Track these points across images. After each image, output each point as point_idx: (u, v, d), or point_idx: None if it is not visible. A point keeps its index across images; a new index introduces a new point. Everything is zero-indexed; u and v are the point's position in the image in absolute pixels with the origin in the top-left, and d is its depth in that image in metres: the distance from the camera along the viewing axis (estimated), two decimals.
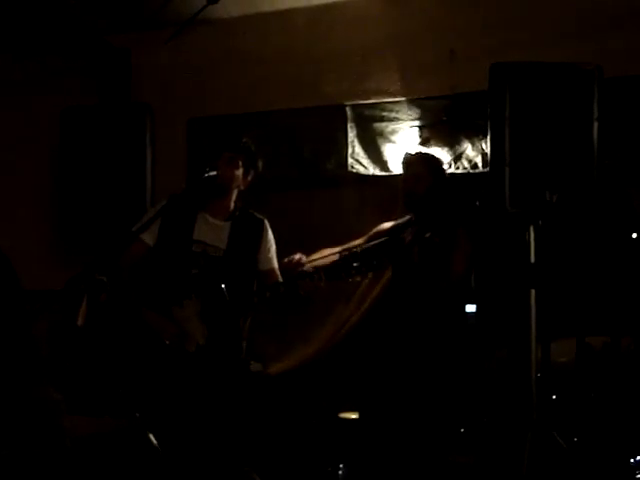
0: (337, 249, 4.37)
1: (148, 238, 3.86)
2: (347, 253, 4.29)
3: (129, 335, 3.90)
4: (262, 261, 3.93)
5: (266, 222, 4.00)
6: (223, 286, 3.64)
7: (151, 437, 4.16)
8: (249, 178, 3.94)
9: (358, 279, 3.58)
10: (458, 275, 4.07)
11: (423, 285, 3.92)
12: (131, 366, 3.90)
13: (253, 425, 3.93)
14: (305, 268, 4.02)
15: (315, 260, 4.18)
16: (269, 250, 3.96)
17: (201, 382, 3.75)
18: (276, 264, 3.96)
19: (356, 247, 4.39)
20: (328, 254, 4.28)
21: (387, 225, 4.41)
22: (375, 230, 4.44)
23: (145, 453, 4.14)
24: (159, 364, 3.79)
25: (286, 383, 5.23)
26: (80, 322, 5.48)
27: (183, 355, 3.77)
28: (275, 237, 4.06)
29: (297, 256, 3.97)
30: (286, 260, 3.93)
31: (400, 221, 4.36)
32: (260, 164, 3.97)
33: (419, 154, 4.47)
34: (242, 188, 3.94)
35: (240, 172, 3.88)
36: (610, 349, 4.55)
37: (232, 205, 3.94)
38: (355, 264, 3.56)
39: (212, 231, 3.87)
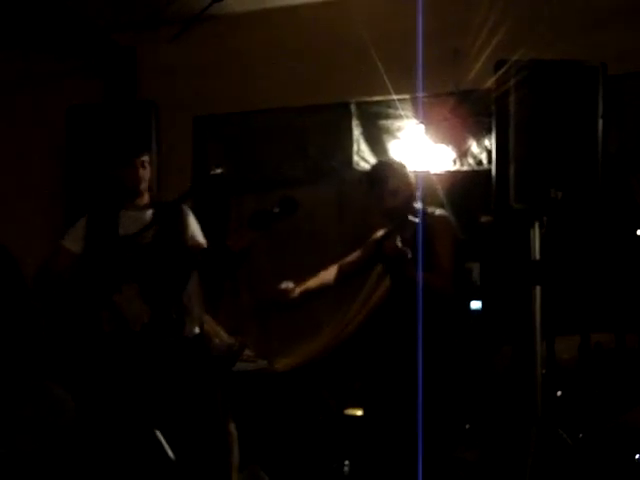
0: (334, 267, 4.40)
1: (73, 246, 4.06)
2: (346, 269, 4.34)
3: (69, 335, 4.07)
4: (189, 238, 4.06)
5: (184, 206, 4.13)
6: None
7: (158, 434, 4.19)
8: (147, 167, 4.12)
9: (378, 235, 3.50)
10: (445, 271, 4.07)
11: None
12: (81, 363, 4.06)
13: (256, 421, 3.94)
14: (293, 295, 4.13)
15: (309, 286, 4.25)
16: (193, 228, 4.10)
17: (152, 358, 3.88)
18: (203, 240, 4.08)
19: (354, 260, 4.43)
20: (323, 276, 4.33)
21: (380, 233, 4.41)
22: (371, 239, 4.44)
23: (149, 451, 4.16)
24: (104, 352, 3.98)
25: (292, 379, 5.24)
26: None
27: (127, 337, 3.92)
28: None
29: (283, 285, 4.07)
30: (274, 290, 4.09)
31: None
32: (144, 156, 4.10)
33: (387, 166, 4.38)
34: (149, 178, 4.14)
35: (143, 171, 4.07)
36: (602, 349, 4.55)
37: (147, 196, 4.14)
38: (275, 210, 3.65)
39: (136, 222, 4.00)
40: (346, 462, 4.50)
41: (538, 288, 3.99)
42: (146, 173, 4.11)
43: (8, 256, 3.85)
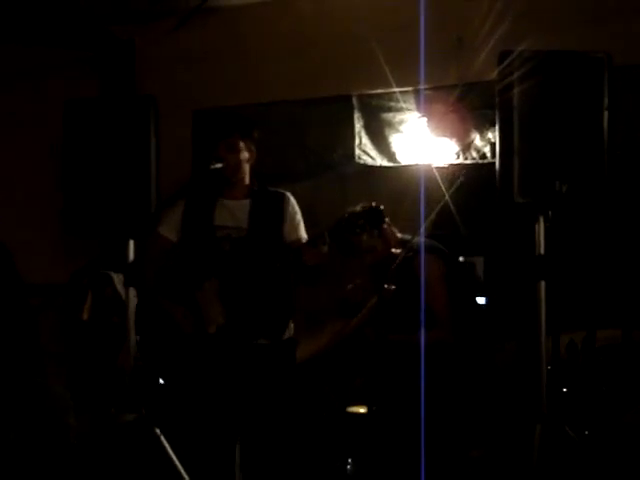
0: None
1: (170, 234, 3.88)
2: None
3: (153, 329, 3.90)
4: (287, 233, 3.84)
5: (287, 194, 3.92)
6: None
7: (158, 432, 4.15)
8: (253, 149, 3.89)
9: (364, 237, 3.46)
10: (443, 316, 4.02)
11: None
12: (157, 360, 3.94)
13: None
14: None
15: None
16: (293, 220, 3.86)
17: (223, 362, 3.72)
18: (303, 234, 3.84)
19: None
20: None
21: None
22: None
23: (152, 449, 4.12)
24: (181, 355, 3.81)
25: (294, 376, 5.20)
26: (85, 316, 5.48)
27: (204, 340, 3.73)
28: None
29: (350, 286, 3.99)
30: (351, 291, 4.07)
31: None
32: (255, 133, 3.90)
33: (355, 224, 3.61)
34: (252, 162, 3.90)
35: (244, 153, 3.84)
36: (589, 345, 4.52)
37: (248, 182, 3.89)
38: (360, 222, 3.45)
39: (232, 213, 3.83)
40: (349, 461, 4.47)
41: (543, 283, 3.95)
42: (247, 158, 3.85)
43: (4, 251, 3.80)
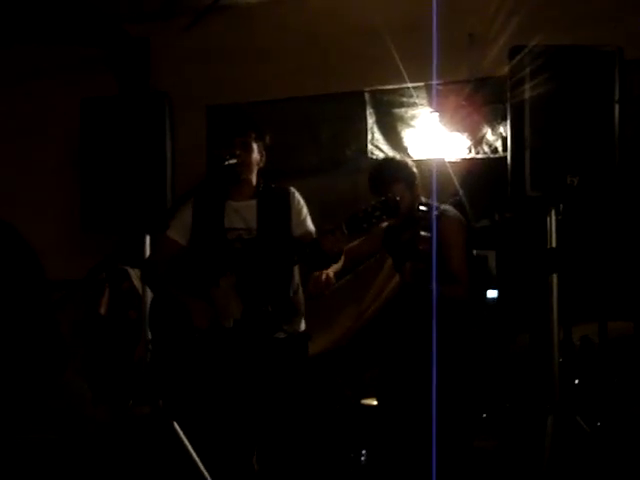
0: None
1: (179, 238, 3.89)
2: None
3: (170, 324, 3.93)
4: (295, 227, 3.86)
5: (292, 189, 3.94)
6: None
7: (174, 424, 4.20)
8: (263, 152, 3.92)
9: (383, 225, 3.46)
10: (461, 276, 4.03)
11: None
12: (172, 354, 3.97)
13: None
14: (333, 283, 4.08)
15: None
16: (299, 215, 3.88)
17: (240, 355, 3.74)
18: (311, 227, 3.87)
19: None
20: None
21: (385, 223, 4.37)
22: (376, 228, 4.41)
23: (169, 441, 4.18)
24: (196, 349, 3.83)
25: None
26: (103, 311, 5.54)
27: (219, 333, 3.75)
28: None
29: (323, 276, 3.99)
30: (312, 282, 3.99)
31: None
32: (267, 137, 3.95)
33: (391, 169, 4.17)
34: (261, 165, 3.94)
35: (256, 154, 3.88)
36: (589, 344, 4.54)
37: (254, 182, 3.92)
38: (377, 213, 3.48)
39: (240, 214, 3.85)
40: (363, 452, 4.50)
41: (555, 276, 3.98)
42: (258, 160, 3.87)
43: (28, 249, 3.87)
